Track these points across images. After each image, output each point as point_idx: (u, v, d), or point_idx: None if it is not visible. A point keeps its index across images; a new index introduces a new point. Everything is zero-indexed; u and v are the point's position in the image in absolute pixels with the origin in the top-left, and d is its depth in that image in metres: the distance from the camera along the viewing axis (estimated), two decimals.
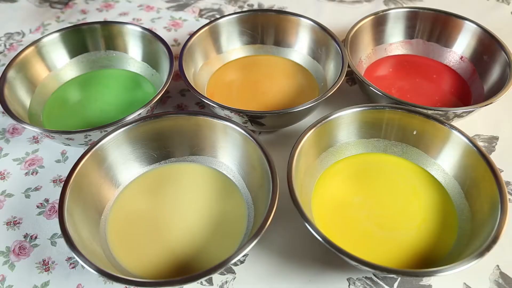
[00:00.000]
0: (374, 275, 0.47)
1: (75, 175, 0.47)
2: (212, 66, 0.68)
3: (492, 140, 0.60)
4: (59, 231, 0.48)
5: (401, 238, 0.48)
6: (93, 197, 0.49)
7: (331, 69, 0.63)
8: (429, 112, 0.52)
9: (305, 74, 0.67)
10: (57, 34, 0.65)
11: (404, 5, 0.81)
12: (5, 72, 0.59)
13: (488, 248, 0.40)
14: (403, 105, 0.53)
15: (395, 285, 0.47)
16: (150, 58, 0.66)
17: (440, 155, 0.53)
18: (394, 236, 0.48)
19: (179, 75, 0.60)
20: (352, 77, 0.69)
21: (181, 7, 0.83)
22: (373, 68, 0.68)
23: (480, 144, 0.59)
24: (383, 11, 0.68)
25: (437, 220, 0.49)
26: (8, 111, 0.54)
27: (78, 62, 0.67)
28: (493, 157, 0.58)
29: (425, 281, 0.47)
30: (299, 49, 0.68)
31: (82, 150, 0.52)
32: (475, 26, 0.65)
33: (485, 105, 0.54)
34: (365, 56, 0.68)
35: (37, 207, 0.54)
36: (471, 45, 0.66)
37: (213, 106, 0.55)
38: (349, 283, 0.47)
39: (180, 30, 0.78)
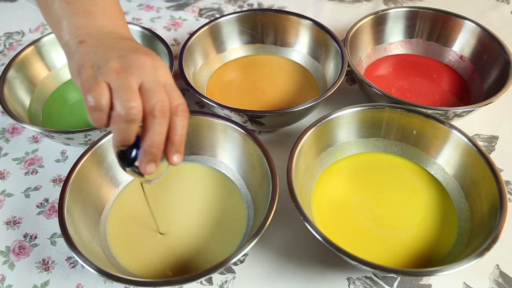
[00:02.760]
0: (374, 274, 0.47)
1: (75, 175, 0.47)
2: (212, 66, 0.68)
3: (492, 140, 0.60)
4: (58, 231, 0.48)
5: (401, 238, 0.48)
6: (92, 196, 0.49)
7: (331, 69, 0.63)
8: (429, 111, 0.52)
9: (305, 73, 0.67)
10: None
11: (404, 5, 0.81)
12: (4, 71, 0.59)
13: (488, 248, 0.40)
14: (403, 104, 0.53)
15: (395, 284, 0.47)
16: None
17: (440, 155, 0.53)
18: (394, 236, 0.48)
19: (179, 75, 0.60)
20: (352, 76, 0.69)
21: (180, 7, 0.83)
22: (373, 67, 0.68)
23: (480, 143, 0.59)
24: (383, 10, 0.68)
25: (437, 219, 0.49)
26: (7, 110, 0.54)
27: None
28: (493, 156, 0.58)
29: (425, 280, 0.47)
30: (299, 48, 0.68)
31: (81, 149, 0.52)
32: (475, 25, 0.65)
33: (485, 105, 0.54)
34: (365, 56, 0.68)
35: (37, 206, 0.54)
36: (471, 44, 0.66)
37: (213, 106, 0.55)
38: (349, 282, 0.47)
39: (180, 29, 0.78)
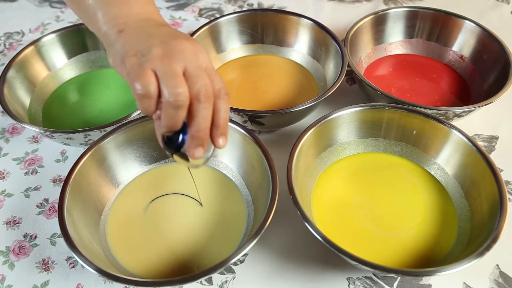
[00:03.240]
0: (374, 274, 0.47)
1: (75, 175, 0.47)
2: None
3: (492, 140, 0.60)
4: (58, 231, 0.48)
5: (401, 238, 0.48)
6: (92, 196, 0.49)
7: (330, 69, 0.63)
8: (429, 111, 0.52)
9: (305, 73, 0.67)
10: (56, 34, 0.65)
11: (404, 5, 0.81)
12: (4, 71, 0.59)
13: (488, 248, 0.40)
14: (402, 104, 0.53)
15: (395, 284, 0.47)
16: None
17: (440, 155, 0.53)
18: (394, 236, 0.48)
19: None
20: (352, 76, 0.69)
21: (180, 7, 0.83)
22: (373, 67, 0.68)
23: (480, 143, 0.59)
24: (383, 10, 0.68)
25: (436, 219, 0.49)
26: (7, 110, 0.54)
27: (78, 62, 0.67)
28: (493, 156, 0.58)
29: (425, 280, 0.47)
30: (299, 48, 0.68)
31: (81, 149, 0.52)
32: (475, 25, 0.65)
33: (485, 105, 0.54)
34: (365, 56, 0.68)
35: (37, 206, 0.54)
36: (471, 44, 0.66)
37: None
38: (348, 282, 0.47)
39: (180, 29, 0.78)
